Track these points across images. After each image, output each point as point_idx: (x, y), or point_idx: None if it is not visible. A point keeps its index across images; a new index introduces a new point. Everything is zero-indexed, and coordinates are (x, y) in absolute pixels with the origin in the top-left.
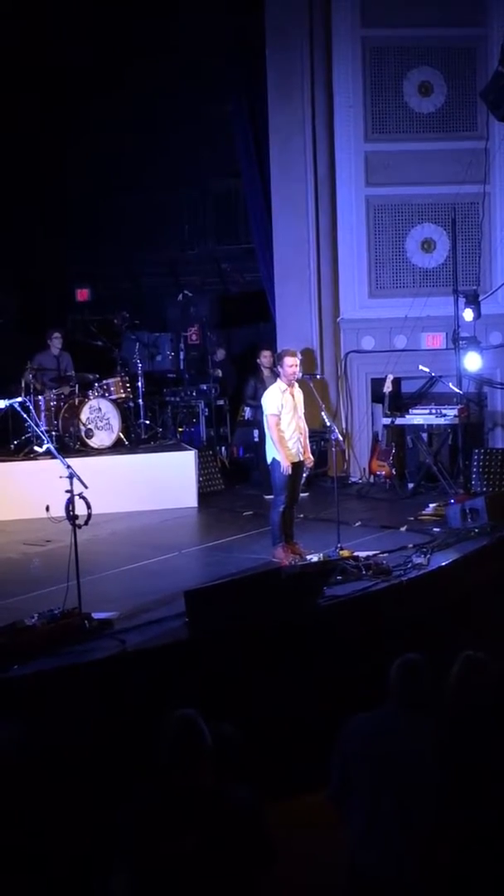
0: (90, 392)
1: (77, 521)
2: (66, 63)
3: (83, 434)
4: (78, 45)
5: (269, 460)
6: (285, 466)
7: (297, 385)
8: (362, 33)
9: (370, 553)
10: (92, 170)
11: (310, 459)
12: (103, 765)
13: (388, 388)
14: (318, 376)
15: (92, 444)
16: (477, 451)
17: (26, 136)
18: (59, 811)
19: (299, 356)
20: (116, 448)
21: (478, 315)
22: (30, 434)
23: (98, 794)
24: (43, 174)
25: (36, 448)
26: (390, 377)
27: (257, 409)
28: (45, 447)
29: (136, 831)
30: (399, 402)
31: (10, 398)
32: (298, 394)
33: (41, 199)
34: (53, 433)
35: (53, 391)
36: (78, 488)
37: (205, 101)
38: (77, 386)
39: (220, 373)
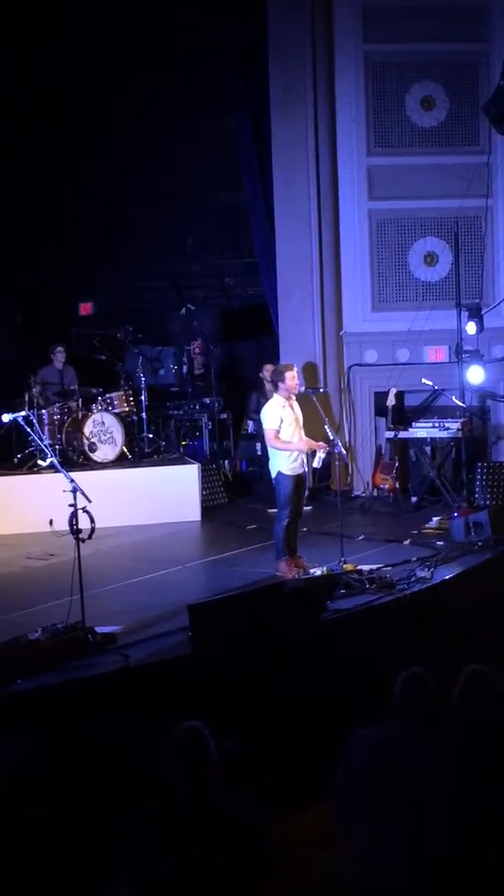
0: (94, 406)
1: (80, 535)
2: (69, 78)
3: (87, 448)
4: (80, 61)
5: (273, 475)
6: (301, 447)
7: (294, 398)
8: (365, 48)
9: (374, 567)
10: (94, 184)
11: (322, 446)
12: (106, 779)
13: (391, 401)
14: (321, 390)
15: (95, 458)
16: (480, 464)
17: (29, 150)
18: (61, 824)
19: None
20: (120, 462)
21: (481, 328)
22: (33, 448)
23: (101, 807)
24: (46, 188)
25: (39, 462)
26: (393, 391)
27: (260, 422)
28: (48, 461)
29: (139, 843)
30: (402, 416)
31: (13, 412)
32: (297, 407)
33: (44, 214)
34: (57, 447)
35: (57, 405)
36: (81, 502)
37: (207, 115)
38: (80, 400)
39: (202, 384)
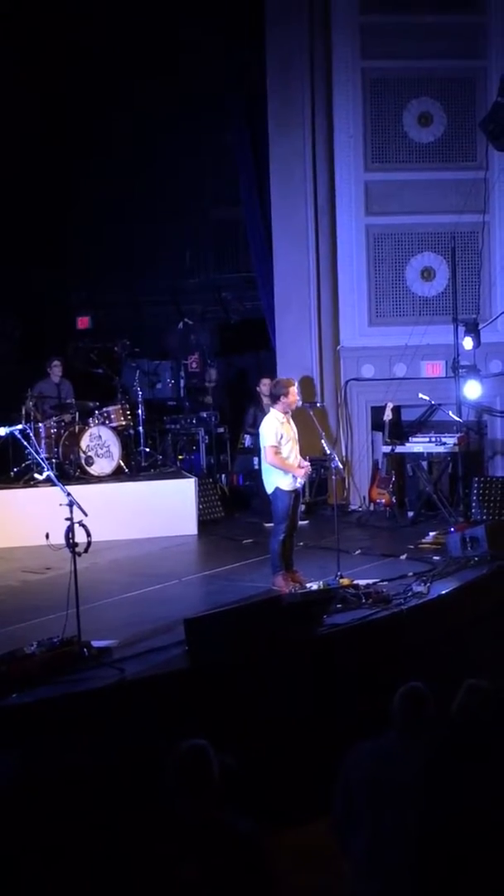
0: (90, 420)
1: (77, 549)
2: (68, 93)
3: (83, 461)
4: (80, 76)
5: (270, 490)
6: (299, 472)
7: (290, 414)
8: (363, 64)
9: (370, 581)
10: (93, 198)
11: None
12: (102, 794)
13: (387, 416)
14: (317, 404)
15: (92, 472)
16: (477, 479)
17: (28, 164)
18: (57, 840)
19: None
20: (116, 476)
21: (477, 343)
22: (30, 461)
23: (97, 823)
24: (44, 202)
25: (36, 475)
26: (390, 405)
27: (257, 436)
28: (45, 475)
29: (137, 860)
30: (399, 431)
31: (10, 426)
32: (292, 423)
33: (42, 227)
34: (54, 461)
35: (54, 419)
36: (78, 516)
37: (206, 130)
38: (77, 413)
39: (210, 399)
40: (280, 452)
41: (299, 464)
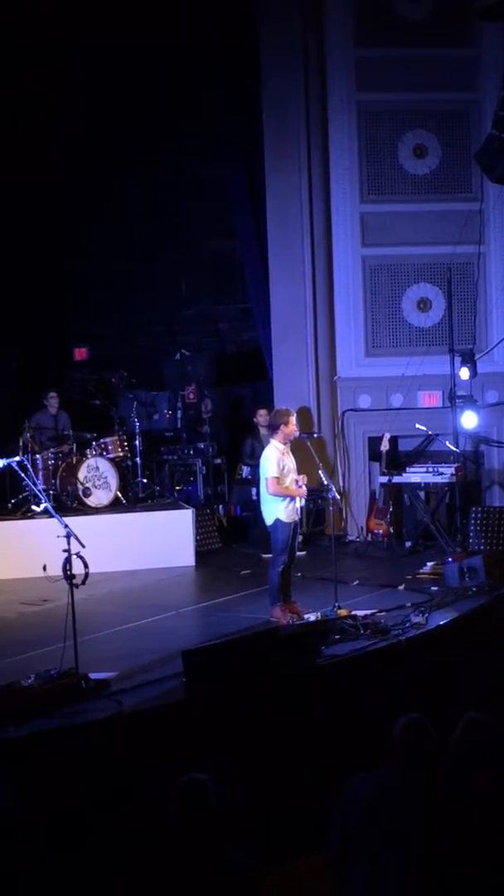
0: (88, 451)
1: (74, 581)
2: (65, 127)
3: (81, 493)
4: (77, 109)
5: (269, 521)
6: (300, 493)
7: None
8: (358, 97)
9: (368, 612)
10: (90, 230)
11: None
12: (98, 827)
13: (385, 446)
14: (315, 435)
15: (89, 503)
16: (475, 509)
17: (26, 195)
18: (52, 872)
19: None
20: (114, 507)
21: (474, 374)
22: (27, 493)
23: (92, 856)
24: (41, 234)
25: (33, 507)
26: (387, 435)
27: (254, 467)
28: (42, 506)
29: (133, 894)
30: (396, 461)
31: (7, 457)
32: (290, 454)
33: (39, 259)
34: (51, 492)
35: (51, 450)
36: (75, 547)
37: (202, 162)
38: (75, 445)
39: (207, 429)
40: (283, 482)
41: (302, 491)
